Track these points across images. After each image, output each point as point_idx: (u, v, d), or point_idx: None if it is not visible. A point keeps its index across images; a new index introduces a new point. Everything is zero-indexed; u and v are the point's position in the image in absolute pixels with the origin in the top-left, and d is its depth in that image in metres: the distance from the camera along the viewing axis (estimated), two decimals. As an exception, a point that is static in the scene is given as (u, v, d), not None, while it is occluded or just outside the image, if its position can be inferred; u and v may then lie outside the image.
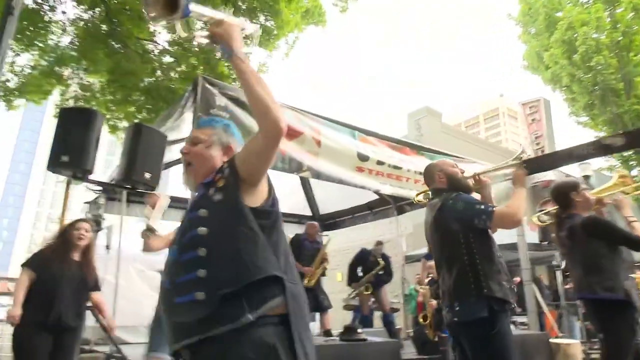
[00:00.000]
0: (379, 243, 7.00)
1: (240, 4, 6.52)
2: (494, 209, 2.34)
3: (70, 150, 3.26)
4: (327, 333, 4.92)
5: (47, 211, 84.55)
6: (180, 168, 4.14)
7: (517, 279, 9.44)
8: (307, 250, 5.79)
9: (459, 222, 2.40)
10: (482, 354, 2.30)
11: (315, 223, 6.35)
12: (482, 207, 2.37)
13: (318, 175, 4.54)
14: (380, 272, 6.57)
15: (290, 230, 8.05)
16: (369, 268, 6.59)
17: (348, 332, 3.92)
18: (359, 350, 3.66)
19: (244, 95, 4.19)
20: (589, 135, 14.11)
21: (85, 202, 6.25)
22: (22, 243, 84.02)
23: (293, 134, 4.39)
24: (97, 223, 3.75)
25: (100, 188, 5.16)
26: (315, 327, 6.58)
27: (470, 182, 2.73)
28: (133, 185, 3.54)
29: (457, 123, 77.55)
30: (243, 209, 1.41)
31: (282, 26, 6.64)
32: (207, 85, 3.99)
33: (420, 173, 5.44)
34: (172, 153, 4.39)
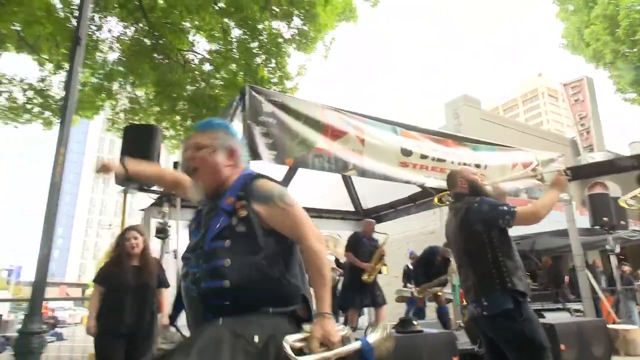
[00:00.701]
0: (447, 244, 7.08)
1: (275, 9, 6.68)
2: (516, 209, 2.56)
3: (135, 165, 3.48)
4: (379, 328, 5.04)
5: (97, 218, 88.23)
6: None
7: (571, 266, 9.25)
8: (365, 247, 5.93)
9: (483, 223, 2.61)
10: (516, 341, 2.49)
11: (372, 220, 6.48)
12: (506, 208, 2.58)
13: (363, 172, 4.65)
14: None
15: (334, 226, 8.21)
16: (437, 268, 6.67)
17: (404, 324, 4.02)
18: (416, 341, 3.76)
19: (289, 100, 4.40)
20: (638, 111, 13.50)
21: (141, 210, 6.63)
22: (76, 249, 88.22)
23: (338, 134, 4.52)
24: (163, 231, 3.98)
25: (156, 196, 5.49)
26: (364, 320, 6.72)
27: (489, 188, 2.91)
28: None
29: (494, 107, 75.50)
30: (263, 239, 1.52)
31: (319, 29, 6.77)
32: (254, 94, 4.17)
33: (464, 164, 5.53)
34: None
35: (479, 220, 2.60)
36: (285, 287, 1.52)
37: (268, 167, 4.05)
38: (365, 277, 5.61)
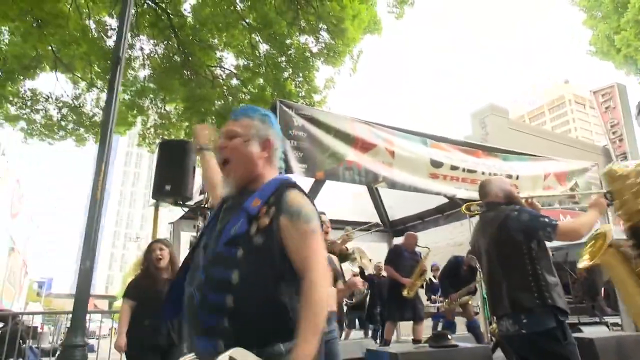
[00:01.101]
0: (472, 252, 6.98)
1: (303, 24, 6.78)
2: (558, 222, 2.44)
3: (172, 180, 3.57)
4: (417, 342, 4.99)
5: (124, 231, 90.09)
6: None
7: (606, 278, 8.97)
8: (406, 261, 5.85)
9: (523, 233, 2.48)
10: None
11: (415, 234, 6.40)
12: (547, 220, 2.44)
13: (394, 185, 4.64)
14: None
15: (360, 238, 8.17)
16: (463, 278, 6.55)
17: (438, 338, 3.96)
18: (451, 356, 3.70)
19: (318, 114, 4.44)
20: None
21: (170, 223, 6.75)
22: (103, 261, 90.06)
23: (367, 147, 4.53)
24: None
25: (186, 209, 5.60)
26: (396, 334, 6.64)
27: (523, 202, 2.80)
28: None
29: (520, 115, 74.33)
30: (282, 258, 1.32)
31: (347, 43, 6.84)
32: (285, 108, 4.23)
33: (495, 175, 5.46)
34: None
35: (519, 230, 2.48)
36: (294, 322, 1.27)
37: (297, 180, 4.10)
38: (405, 292, 5.53)
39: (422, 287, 5.95)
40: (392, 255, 6.07)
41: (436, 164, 4.99)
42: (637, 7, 11.46)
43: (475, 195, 5.31)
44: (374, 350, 3.80)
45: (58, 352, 2.66)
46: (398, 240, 8.65)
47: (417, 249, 6.11)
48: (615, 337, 5.25)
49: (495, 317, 2.76)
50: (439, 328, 7.48)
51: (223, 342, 1.24)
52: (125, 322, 3.47)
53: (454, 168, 5.10)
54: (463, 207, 3.51)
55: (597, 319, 6.95)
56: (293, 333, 1.24)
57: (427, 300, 7.77)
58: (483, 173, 5.31)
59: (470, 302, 6.49)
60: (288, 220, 1.32)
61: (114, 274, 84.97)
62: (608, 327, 6.55)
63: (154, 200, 5.32)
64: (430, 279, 8.37)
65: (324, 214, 3.71)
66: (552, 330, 2.32)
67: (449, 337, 4.05)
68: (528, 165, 5.85)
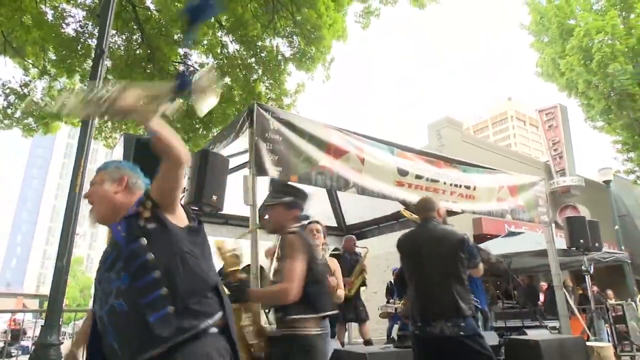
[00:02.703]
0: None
1: (279, 29, 6.78)
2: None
3: (147, 178, 3.51)
4: (367, 343, 5.13)
5: (59, 226, 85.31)
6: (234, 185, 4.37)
7: (544, 284, 9.62)
8: (347, 262, 5.96)
9: (468, 254, 3.05)
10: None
11: (352, 236, 6.56)
12: (479, 256, 3.17)
13: (363, 190, 4.78)
14: None
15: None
16: None
17: (402, 339, 4.13)
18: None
19: (294, 119, 4.52)
20: (606, 139, 14.24)
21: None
22: (35, 259, 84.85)
23: (340, 153, 4.65)
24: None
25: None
26: (345, 336, 6.78)
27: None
28: (201, 207, 3.79)
29: (466, 128, 77.63)
30: (178, 231, 1.60)
31: (322, 50, 6.92)
32: (262, 111, 4.26)
33: (455, 185, 5.75)
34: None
35: (467, 251, 3.02)
36: (206, 281, 1.60)
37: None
38: (345, 291, 5.65)
39: (363, 285, 6.10)
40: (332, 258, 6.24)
41: (402, 173, 5.18)
42: (581, 35, 12.38)
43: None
44: (341, 350, 3.89)
45: (31, 351, 2.55)
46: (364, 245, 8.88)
47: (357, 249, 6.31)
48: (557, 340, 5.66)
49: (424, 319, 2.96)
50: (394, 329, 7.72)
51: (173, 306, 1.47)
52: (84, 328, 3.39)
53: (418, 177, 5.31)
54: (402, 210, 3.98)
55: (537, 323, 7.42)
56: (205, 300, 1.60)
57: (387, 302, 8.00)
58: (445, 183, 5.57)
59: None
60: (153, 188, 1.66)
61: (47, 272, 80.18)
62: (548, 330, 7.02)
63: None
64: (390, 282, 8.64)
65: (318, 222, 3.85)
66: (478, 334, 2.90)
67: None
68: (484, 178, 6.19)
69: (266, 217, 2.79)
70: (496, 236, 10.62)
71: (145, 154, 3.72)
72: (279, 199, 2.71)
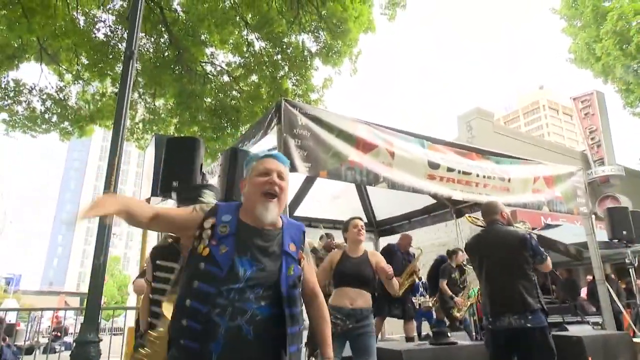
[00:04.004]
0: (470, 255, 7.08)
1: (305, 24, 6.74)
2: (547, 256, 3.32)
3: (179, 176, 3.56)
4: (409, 340, 5.06)
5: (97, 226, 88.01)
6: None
7: (589, 278, 9.26)
8: (398, 261, 5.85)
9: (532, 251, 3.23)
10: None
11: (409, 235, 6.45)
12: (543, 250, 3.30)
13: (393, 185, 4.70)
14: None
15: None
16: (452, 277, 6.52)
17: (437, 336, 4.05)
18: (452, 353, 3.79)
19: (322, 114, 4.48)
20: (646, 126, 13.62)
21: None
22: (75, 258, 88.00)
23: (369, 147, 4.59)
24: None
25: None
26: (382, 333, 6.71)
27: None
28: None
29: (497, 119, 75.84)
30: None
31: (348, 44, 6.86)
32: (290, 107, 4.25)
33: (489, 177, 5.59)
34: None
35: (530, 249, 3.22)
36: None
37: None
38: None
39: (413, 285, 6.00)
40: (384, 254, 6.13)
41: (433, 166, 5.07)
42: (615, 19, 11.85)
43: (469, 196, 5.48)
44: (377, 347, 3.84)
45: (73, 348, 2.62)
46: (383, 240, 8.75)
47: (410, 249, 6.18)
48: (601, 335, 5.44)
49: (494, 313, 3.21)
50: (422, 327, 7.58)
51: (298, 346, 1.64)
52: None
53: (450, 170, 5.19)
54: (466, 217, 4.06)
55: (579, 319, 7.16)
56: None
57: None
58: (477, 175, 5.43)
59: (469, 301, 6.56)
60: (306, 259, 1.78)
61: (87, 271, 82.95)
62: (591, 326, 6.76)
63: (146, 197, 5.27)
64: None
65: (359, 218, 3.91)
66: (546, 327, 3.09)
67: (448, 334, 4.15)
68: (519, 169, 6.00)
69: None
70: (534, 229, 10.30)
71: (176, 152, 3.78)
72: None
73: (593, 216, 6.98)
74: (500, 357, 3.21)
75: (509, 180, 5.74)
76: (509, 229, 3.44)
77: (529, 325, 3.01)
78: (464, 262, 6.60)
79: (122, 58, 8.31)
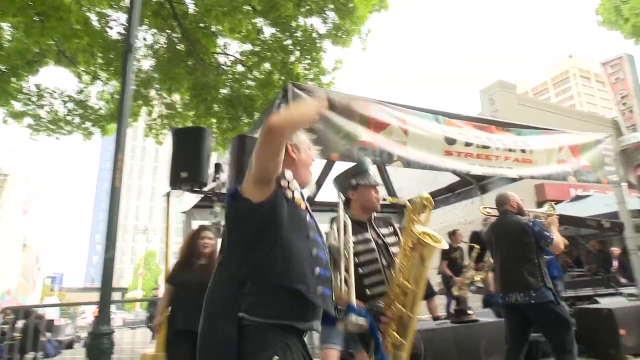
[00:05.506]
0: (487, 219, 6.98)
1: (311, 4, 6.63)
2: (553, 237, 3.49)
3: (188, 167, 3.57)
4: (436, 319, 4.98)
5: (133, 223, 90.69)
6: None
7: (616, 250, 8.95)
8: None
9: (534, 237, 3.51)
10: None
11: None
12: (548, 233, 3.51)
13: (409, 163, 4.60)
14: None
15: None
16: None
17: (458, 314, 3.97)
18: (474, 330, 3.72)
19: (330, 95, 4.40)
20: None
21: (182, 212, 6.74)
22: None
23: (381, 126, 4.50)
24: (218, 230, 4.02)
25: (200, 197, 5.59)
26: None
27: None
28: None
29: (524, 92, 73.61)
30: None
31: (356, 22, 6.72)
32: (297, 90, 4.19)
33: (510, 150, 5.41)
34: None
35: (532, 235, 3.51)
36: None
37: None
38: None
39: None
40: None
41: (450, 141, 4.94)
42: (643, -25, 11.20)
43: (489, 171, 5.33)
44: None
45: (86, 341, 2.68)
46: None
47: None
48: (635, 307, 5.25)
49: (504, 292, 3.64)
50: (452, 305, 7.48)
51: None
52: (164, 305, 3.55)
53: (468, 145, 5.05)
54: (480, 209, 4.47)
55: (612, 290, 6.93)
56: None
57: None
58: (497, 148, 5.26)
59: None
60: None
61: (125, 267, 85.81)
62: (625, 297, 6.53)
63: (167, 191, 5.32)
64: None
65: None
66: (550, 301, 3.37)
67: (469, 312, 4.07)
68: (541, 139, 5.78)
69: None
70: (561, 201, 9.97)
71: (183, 144, 3.79)
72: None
73: (625, 184, 6.69)
74: (513, 329, 3.59)
75: (531, 152, 5.53)
76: (514, 218, 3.76)
77: (532, 301, 3.38)
78: (464, 242, 6.59)
79: (135, 55, 8.48)
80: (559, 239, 3.55)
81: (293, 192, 1.68)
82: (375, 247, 2.46)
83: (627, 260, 6.95)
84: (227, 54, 8.55)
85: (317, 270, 1.59)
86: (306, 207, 1.73)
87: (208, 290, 1.69)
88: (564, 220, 4.24)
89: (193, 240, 3.68)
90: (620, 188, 6.46)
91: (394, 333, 2.07)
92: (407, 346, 2.06)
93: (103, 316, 2.76)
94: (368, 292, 2.30)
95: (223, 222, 4.48)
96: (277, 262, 1.53)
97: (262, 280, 1.52)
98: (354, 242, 2.32)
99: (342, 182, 2.72)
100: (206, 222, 6.32)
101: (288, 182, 1.68)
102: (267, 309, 1.47)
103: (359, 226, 2.50)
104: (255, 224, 1.58)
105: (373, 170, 2.70)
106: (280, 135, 1.55)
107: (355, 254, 2.34)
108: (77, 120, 9.32)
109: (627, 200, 6.63)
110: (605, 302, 5.78)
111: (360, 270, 2.35)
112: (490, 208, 4.15)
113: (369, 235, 2.49)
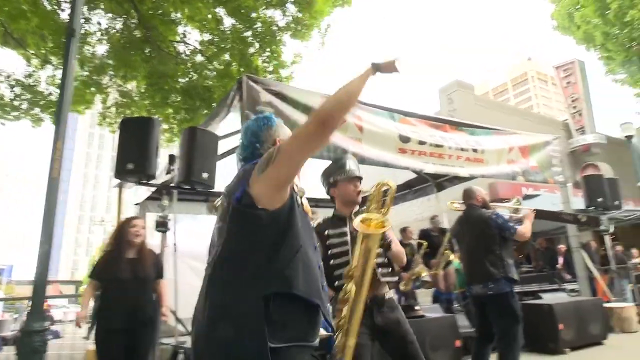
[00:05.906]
0: (435, 217, 7.11)
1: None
2: (517, 228, 3.60)
3: (134, 158, 3.46)
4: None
5: (88, 214, 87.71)
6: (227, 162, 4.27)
7: (562, 247, 9.37)
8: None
9: (498, 230, 3.61)
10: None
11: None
12: (511, 225, 3.64)
13: (363, 160, 4.62)
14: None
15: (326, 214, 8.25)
16: (436, 243, 6.34)
17: (406, 309, 4.03)
18: (420, 326, 3.78)
19: (286, 89, 4.36)
20: (628, 92, 13.62)
21: (136, 204, 6.56)
22: (68, 246, 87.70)
23: (336, 123, 4.49)
24: (163, 224, 3.93)
25: (152, 189, 5.45)
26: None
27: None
28: (192, 185, 3.71)
29: (485, 92, 75.63)
30: None
31: (315, 16, 6.68)
32: (252, 83, 4.14)
33: (462, 149, 5.54)
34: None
35: (495, 227, 3.61)
36: None
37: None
38: None
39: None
40: None
41: (404, 139, 5.02)
42: (597, -16, 11.68)
43: (442, 169, 5.44)
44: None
45: (18, 337, 2.55)
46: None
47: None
48: (574, 302, 5.52)
49: (468, 284, 3.81)
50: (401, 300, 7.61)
51: None
52: (87, 300, 3.45)
53: (421, 143, 5.14)
54: (448, 204, 4.36)
55: (556, 286, 7.26)
56: None
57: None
58: (450, 147, 5.38)
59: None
60: None
61: (79, 259, 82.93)
62: (567, 293, 6.85)
63: (118, 181, 5.15)
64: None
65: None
66: (507, 293, 3.50)
67: (416, 307, 4.15)
68: (493, 139, 5.96)
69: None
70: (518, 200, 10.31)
71: (130, 134, 3.67)
72: None
73: (570, 185, 7.00)
74: (481, 319, 3.70)
75: (483, 151, 5.70)
76: (478, 212, 3.83)
77: (490, 292, 3.51)
78: (414, 239, 6.74)
79: (88, 40, 8.14)
80: (526, 229, 3.64)
81: (301, 197, 1.53)
82: (349, 239, 2.53)
83: (571, 257, 7.29)
84: (187, 43, 8.33)
85: (324, 283, 1.50)
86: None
87: (214, 297, 1.41)
88: (539, 214, 4.32)
89: (123, 229, 3.51)
90: (566, 188, 6.75)
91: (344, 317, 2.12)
92: (352, 330, 2.09)
93: (36, 312, 2.63)
94: (337, 282, 2.38)
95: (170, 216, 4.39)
96: (299, 274, 1.38)
97: (286, 295, 1.35)
98: (330, 236, 2.54)
99: (323, 181, 2.82)
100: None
101: (297, 185, 1.51)
102: (292, 333, 1.34)
103: (339, 220, 2.64)
104: (273, 234, 1.39)
105: (353, 163, 2.72)
106: (334, 126, 1.34)
107: (330, 246, 2.53)
108: (25, 105, 8.86)
109: (572, 200, 6.93)
110: (547, 298, 6.04)
111: (332, 262, 2.47)
112: (459, 203, 4.18)
113: (346, 228, 2.57)
